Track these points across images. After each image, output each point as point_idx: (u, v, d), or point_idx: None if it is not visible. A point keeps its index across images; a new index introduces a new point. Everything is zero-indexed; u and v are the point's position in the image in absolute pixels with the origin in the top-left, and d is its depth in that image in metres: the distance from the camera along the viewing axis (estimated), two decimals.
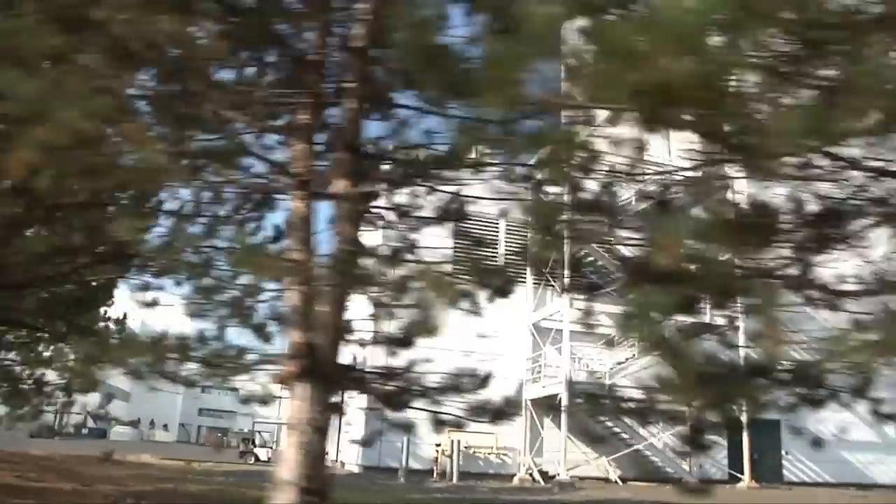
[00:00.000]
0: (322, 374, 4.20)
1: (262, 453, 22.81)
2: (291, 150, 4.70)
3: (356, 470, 20.85)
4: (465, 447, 19.81)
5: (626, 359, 20.06)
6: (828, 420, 21.20)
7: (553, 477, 19.53)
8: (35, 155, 2.93)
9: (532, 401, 20.65)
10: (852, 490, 19.98)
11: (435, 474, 19.51)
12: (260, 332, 5.57)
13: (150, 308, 8.29)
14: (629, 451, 20.32)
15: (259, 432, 23.64)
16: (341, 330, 4.34)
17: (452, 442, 19.60)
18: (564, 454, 18.59)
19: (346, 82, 4.63)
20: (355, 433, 20.52)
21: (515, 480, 19.72)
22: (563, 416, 18.51)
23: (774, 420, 20.18)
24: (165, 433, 53.30)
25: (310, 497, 4.04)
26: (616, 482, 19.84)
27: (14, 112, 3.02)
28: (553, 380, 19.90)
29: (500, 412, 5.82)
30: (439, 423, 8.08)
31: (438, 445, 19.66)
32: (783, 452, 21.48)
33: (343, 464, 22.43)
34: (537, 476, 19.65)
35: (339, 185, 4.55)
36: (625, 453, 20.25)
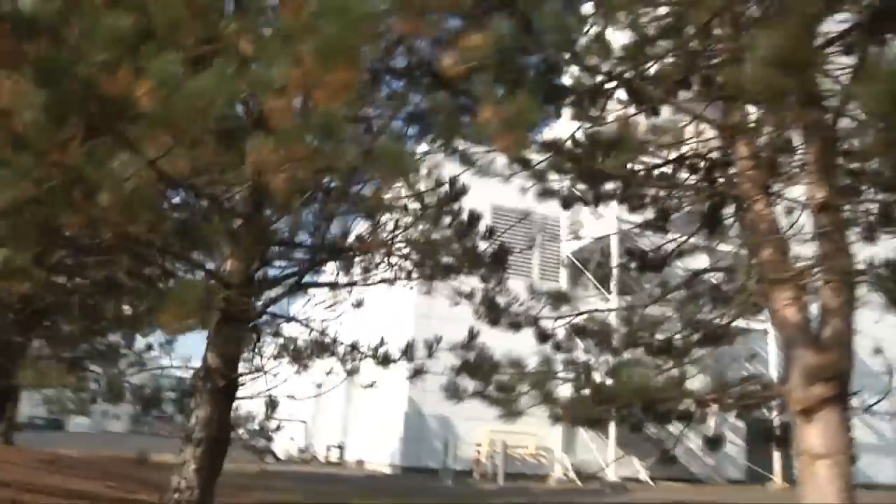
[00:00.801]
0: (847, 396, 3.84)
1: (280, 452, 21.59)
2: (744, 145, 4.28)
3: (388, 471, 20.18)
4: (496, 450, 19.53)
5: None
6: None
7: (588, 477, 19.58)
8: None
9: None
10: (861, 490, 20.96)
11: (476, 475, 19.10)
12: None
13: (357, 308, 7.59)
14: (657, 452, 20.61)
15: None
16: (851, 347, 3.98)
17: (493, 442, 19.30)
18: (613, 455, 18.65)
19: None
20: (392, 430, 19.90)
21: (551, 481, 19.62)
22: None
23: (786, 421, 20.95)
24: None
25: None
26: (647, 482, 20.05)
27: None
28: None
29: None
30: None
31: (479, 446, 19.30)
32: (792, 453, 22.30)
33: (361, 463, 21.67)
34: (573, 476, 19.59)
35: (817, 192, 4.17)
36: (654, 454, 20.52)
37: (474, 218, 6.28)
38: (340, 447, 21.95)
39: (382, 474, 19.79)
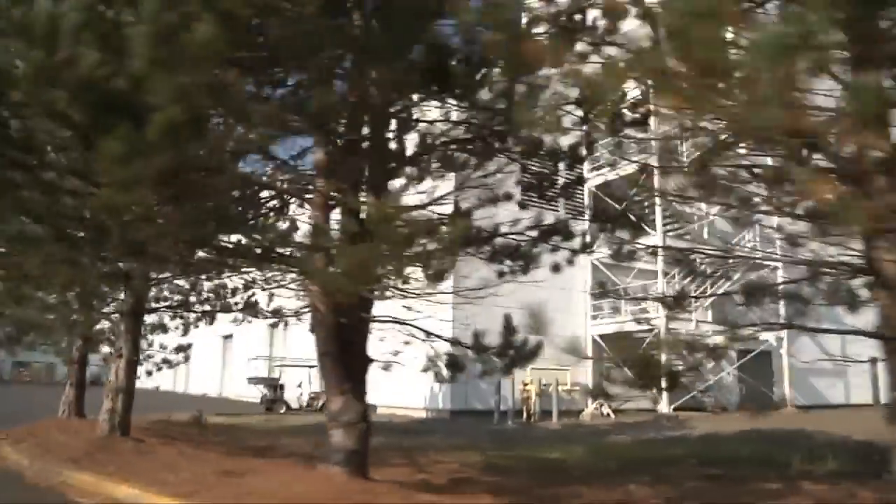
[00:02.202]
0: None
1: (293, 400, 18.52)
2: None
3: (423, 415, 18.41)
4: (544, 385, 18.62)
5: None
6: (801, 351, 23.47)
7: (618, 410, 19.36)
8: None
9: (602, 336, 20.11)
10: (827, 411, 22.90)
11: (525, 415, 18.00)
12: None
13: None
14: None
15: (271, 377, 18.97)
16: None
17: (539, 381, 18.30)
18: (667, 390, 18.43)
19: None
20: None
21: (585, 416, 19.14)
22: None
23: (767, 351, 22.26)
24: None
25: None
26: (670, 412, 20.26)
27: None
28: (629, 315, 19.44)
29: None
30: None
31: (525, 385, 18.18)
32: (774, 380, 23.79)
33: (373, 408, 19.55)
34: (608, 410, 19.25)
35: None
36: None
37: None
38: None
39: (410, 419, 18.02)
